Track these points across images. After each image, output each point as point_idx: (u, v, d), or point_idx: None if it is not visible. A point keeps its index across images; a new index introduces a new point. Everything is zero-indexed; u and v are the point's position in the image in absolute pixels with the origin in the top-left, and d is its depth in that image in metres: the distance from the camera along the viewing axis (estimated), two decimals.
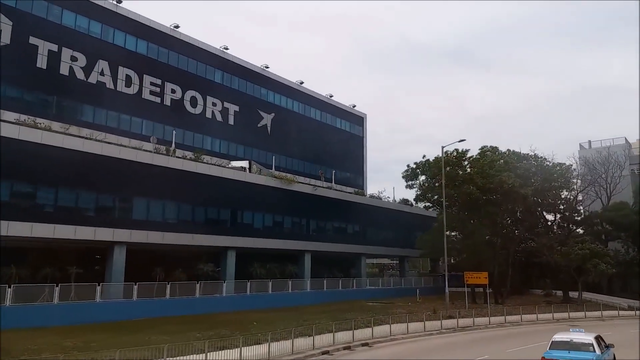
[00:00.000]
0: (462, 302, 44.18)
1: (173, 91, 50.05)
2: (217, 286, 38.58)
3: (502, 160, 47.54)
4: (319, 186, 53.61)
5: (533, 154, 53.40)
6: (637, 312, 38.69)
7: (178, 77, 50.26)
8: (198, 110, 52.46)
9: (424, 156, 49.32)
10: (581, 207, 59.48)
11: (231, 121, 56.03)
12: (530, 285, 62.91)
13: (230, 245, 41.74)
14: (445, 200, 39.54)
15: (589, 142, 73.23)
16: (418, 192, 48.66)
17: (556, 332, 18.06)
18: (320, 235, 52.17)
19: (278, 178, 47.86)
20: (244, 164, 49.46)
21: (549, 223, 57.69)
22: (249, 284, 40.16)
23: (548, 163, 53.64)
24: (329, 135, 70.41)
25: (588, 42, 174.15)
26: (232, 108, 56.45)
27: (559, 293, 54.47)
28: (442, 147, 36.86)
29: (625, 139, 70.97)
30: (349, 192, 59.61)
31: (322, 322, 26.86)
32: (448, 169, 44.85)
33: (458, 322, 30.73)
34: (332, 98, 72.49)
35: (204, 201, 40.90)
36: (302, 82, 67.07)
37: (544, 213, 57.80)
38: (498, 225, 47.06)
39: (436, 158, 46.69)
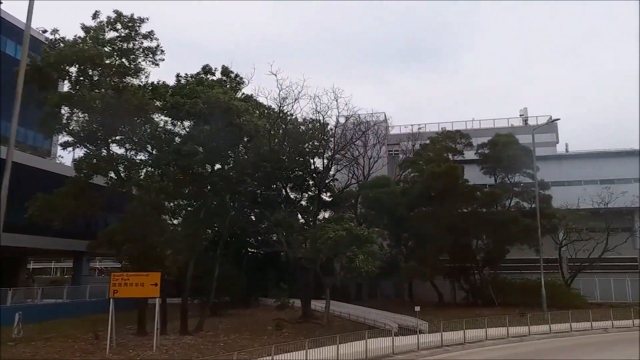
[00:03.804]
0: (130, 328, 21.76)
1: None
2: None
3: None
4: None
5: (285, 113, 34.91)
6: (420, 334, 21.98)
7: None
8: None
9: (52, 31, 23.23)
10: (334, 184, 44.00)
11: None
12: (266, 293, 44.71)
13: None
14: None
15: (345, 117, 59.64)
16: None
17: None
18: None
19: None
20: None
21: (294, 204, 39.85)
22: None
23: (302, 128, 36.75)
24: None
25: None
26: None
27: (299, 303, 37.08)
28: None
29: (385, 115, 59.64)
30: None
31: None
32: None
33: None
34: None
35: None
36: None
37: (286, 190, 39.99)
38: (205, 184, 25.73)
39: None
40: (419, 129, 54.14)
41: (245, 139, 26.43)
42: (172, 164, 23.44)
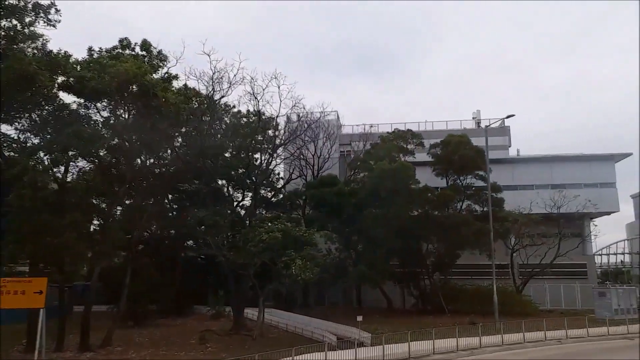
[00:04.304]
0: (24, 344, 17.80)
1: None
2: None
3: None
4: None
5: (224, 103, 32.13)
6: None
7: None
8: None
9: None
10: (280, 183, 41.13)
11: None
12: (203, 300, 41.04)
13: None
14: None
15: (298, 114, 56.76)
16: None
17: None
18: None
19: None
20: None
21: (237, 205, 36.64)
22: None
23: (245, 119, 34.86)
24: None
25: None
26: None
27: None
28: None
29: (337, 114, 57.11)
30: None
31: None
32: None
33: None
34: None
35: None
36: None
37: (228, 188, 36.89)
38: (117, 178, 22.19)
39: None
40: (371, 127, 52.03)
41: (171, 127, 22.95)
42: (72, 150, 19.81)
